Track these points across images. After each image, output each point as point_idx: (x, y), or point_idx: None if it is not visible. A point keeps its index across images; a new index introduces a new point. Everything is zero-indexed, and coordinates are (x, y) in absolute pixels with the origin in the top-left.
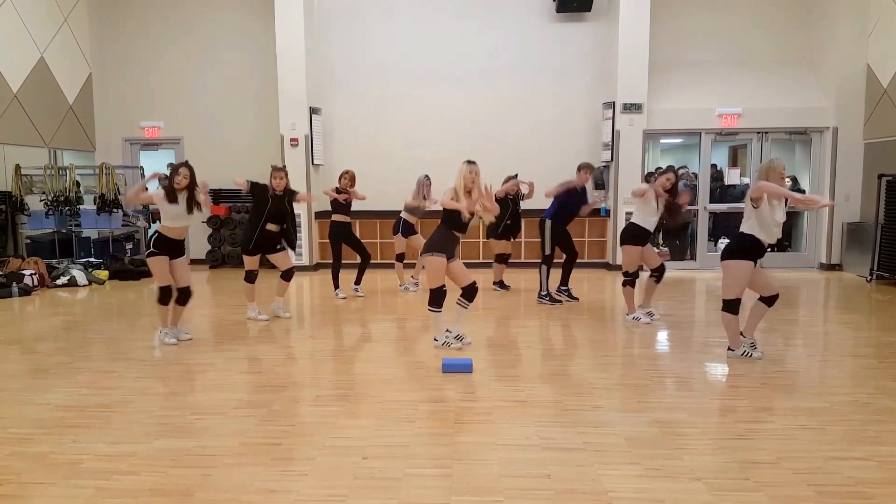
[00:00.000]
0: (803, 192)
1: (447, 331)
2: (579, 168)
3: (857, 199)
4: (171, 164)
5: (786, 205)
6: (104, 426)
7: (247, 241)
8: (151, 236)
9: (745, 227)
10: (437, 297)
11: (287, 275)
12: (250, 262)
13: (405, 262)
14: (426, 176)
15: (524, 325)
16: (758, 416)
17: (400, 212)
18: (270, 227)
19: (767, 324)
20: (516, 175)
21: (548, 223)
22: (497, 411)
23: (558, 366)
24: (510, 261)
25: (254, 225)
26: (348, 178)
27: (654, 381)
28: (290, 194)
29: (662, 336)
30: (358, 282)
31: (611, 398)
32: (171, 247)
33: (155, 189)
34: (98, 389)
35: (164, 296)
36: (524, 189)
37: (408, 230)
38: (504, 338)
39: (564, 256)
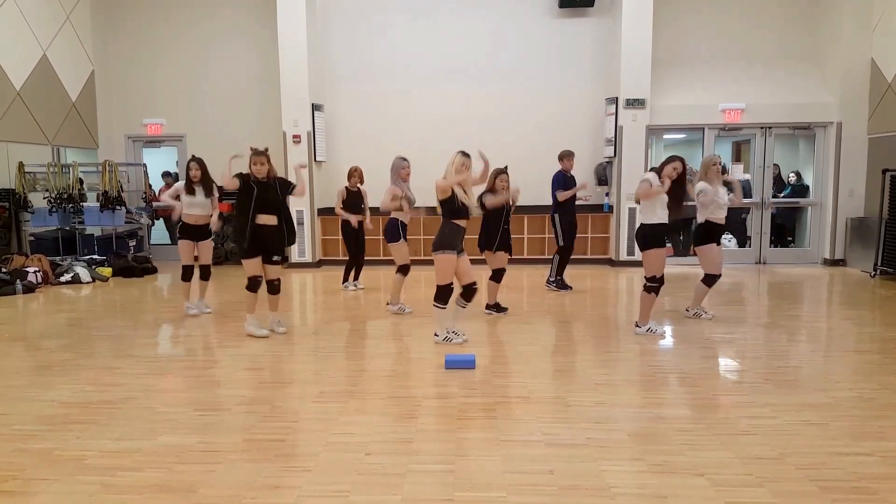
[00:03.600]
0: (806, 187)
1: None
2: (561, 157)
3: (861, 195)
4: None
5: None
6: (108, 423)
7: (241, 239)
8: (177, 224)
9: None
10: (444, 294)
11: (272, 287)
12: (251, 266)
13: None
14: (402, 158)
15: (527, 321)
16: (761, 412)
17: (389, 214)
18: (262, 218)
19: (772, 319)
20: (506, 168)
21: (556, 217)
22: (500, 407)
23: (561, 362)
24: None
25: (243, 220)
26: (357, 175)
27: (657, 377)
28: (281, 185)
29: (665, 332)
30: (356, 277)
31: (613, 394)
32: (195, 232)
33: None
34: (102, 386)
35: (186, 273)
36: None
37: (405, 233)
38: (506, 334)
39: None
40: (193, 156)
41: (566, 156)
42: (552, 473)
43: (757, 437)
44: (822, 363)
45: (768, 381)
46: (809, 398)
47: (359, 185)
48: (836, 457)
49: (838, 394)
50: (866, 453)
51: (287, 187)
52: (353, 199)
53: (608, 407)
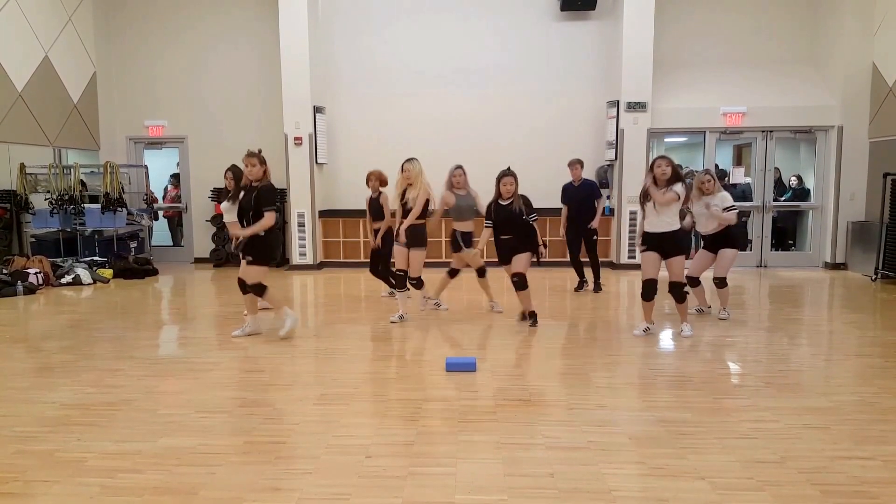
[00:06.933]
0: (807, 191)
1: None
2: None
3: (862, 198)
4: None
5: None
6: (109, 424)
7: (267, 249)
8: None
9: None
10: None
11: (256, 289)
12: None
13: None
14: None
15: (527, 323)
16: (762, 416)
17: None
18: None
19: (773, 323)
20: (509, 168)
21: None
22: (501, 410)
23: (562, 365)
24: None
25: (274, 235)
26: (376, 179)
27: (659, 380)
28: (265, 193)
29: (666, 335)
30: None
31: (615, 397)
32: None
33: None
34: (103, 388)
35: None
36: None
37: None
38: (507, 336)
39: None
40: (232, 165)
41: (573, 163)
42: (553, 476)
43: (758, 440)
44: (823, 367)
45: (769, 384)
46: (811, 402)
47: (381, 189)
48: (837, 461)
49: (840, 398)
50: (868, 457)
51: (262, 202)
52: (373, 207)
53: (609, 410)
